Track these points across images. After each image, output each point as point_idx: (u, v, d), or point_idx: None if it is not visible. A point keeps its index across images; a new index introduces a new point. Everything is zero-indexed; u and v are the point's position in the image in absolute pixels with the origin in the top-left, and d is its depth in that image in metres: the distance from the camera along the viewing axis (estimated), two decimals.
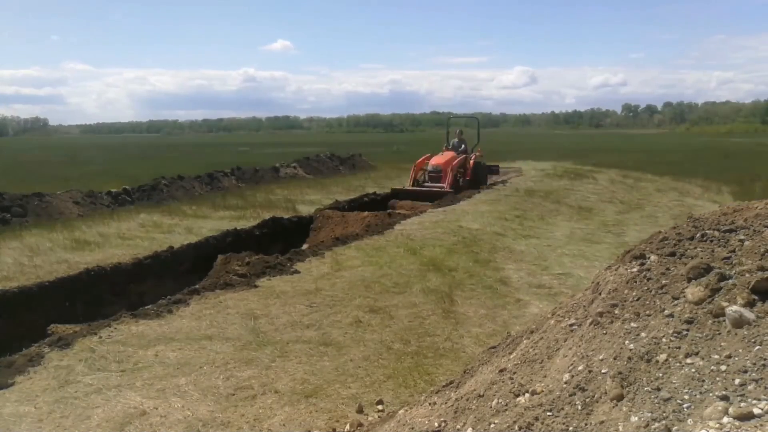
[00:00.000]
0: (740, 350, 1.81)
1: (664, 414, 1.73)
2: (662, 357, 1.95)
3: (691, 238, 2.56)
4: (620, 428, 1.78)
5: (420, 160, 16.34)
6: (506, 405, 2.28)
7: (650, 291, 2.34)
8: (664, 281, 2.34)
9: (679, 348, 1.95)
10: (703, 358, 1.86)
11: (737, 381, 1.71)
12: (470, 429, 2.31)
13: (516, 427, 2.08)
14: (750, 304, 1.95)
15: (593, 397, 1.98)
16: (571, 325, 2.57)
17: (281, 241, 11.50)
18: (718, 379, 1.76)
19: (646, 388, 1.86)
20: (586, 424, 1.89)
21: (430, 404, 2.90)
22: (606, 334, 2.26)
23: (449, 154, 16.20)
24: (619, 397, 1.89)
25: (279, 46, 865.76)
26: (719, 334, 1.93)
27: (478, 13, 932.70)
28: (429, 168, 15.73)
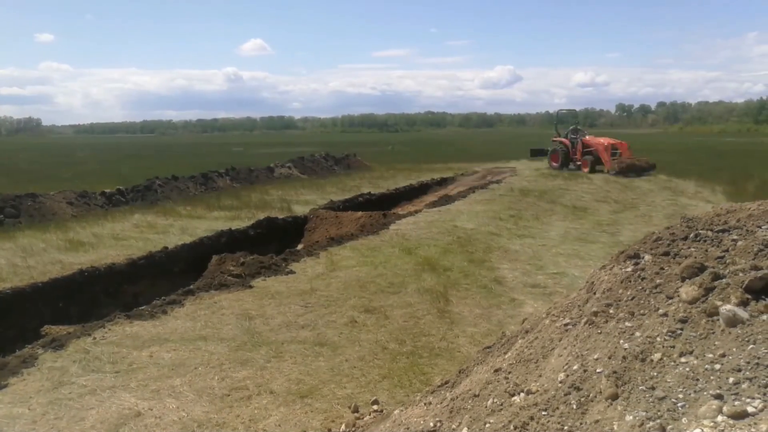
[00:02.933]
0: (734, 349, 1.82)
1: (659, 413, 1.73)
2: (657, 356, 1.95)
3: (685, 238, 2.58)
4: (615, 427, 1.78)
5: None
6: (501, 405, 2.28)
7: (644, 290, 2.34)
8: (658, 281, 2.35)
9: (674, 347, 1.96)
10: (697, 357, 1.87)
11: (731, 380, 1.72)
12: (466, 429, 2.31)
13: (511, 427, 2.08)
14: (743, 303, 1.96)
15: (588, 396, 1.98)
16: (565, 324, 2.58)
17: (276, 242, 11.48)
18: (712, 377, 1.76)
19: (640, 387, 1.86)
20: (581, 424, 1.90)
21: (425, 404, 2.90)
22: (601, 333, 2.26)
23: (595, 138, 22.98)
24: (614, 397, 1.89)
25: (254, 46, 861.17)
26: (713, 333, 1.93)
27: (449, 14, 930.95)
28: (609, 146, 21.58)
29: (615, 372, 1.98)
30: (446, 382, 3.10)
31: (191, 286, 6.82)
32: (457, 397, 2.65)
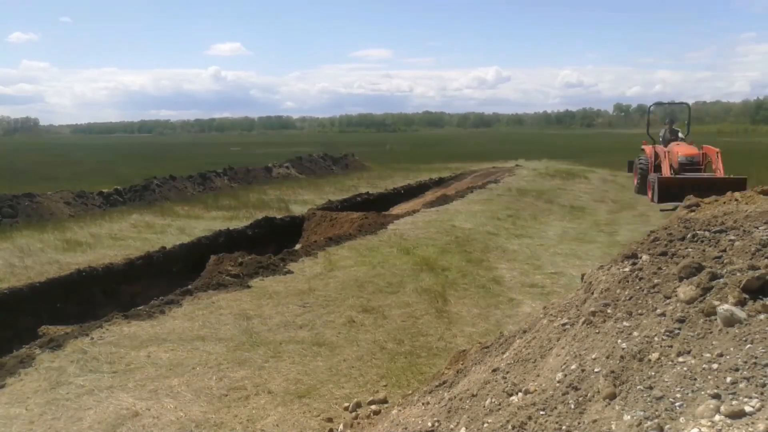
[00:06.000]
0: (731, 349, 1.82)
1: (657, 412, 1.74)
2: (654, 356, 1.96)
3: (683, 239, 2.58)
4: (613, 427, 1.79)
5: (649, 148, 16.34)
6: (499, 404, 2.29)
7: (642, 290, 2.35)
8: (656, 280, 2.36)
9: (671, 347, 1.96)
10: (695, 357, 1.87)
11: (729, 379, 1.72)
12: (463, 429, 2.31)
13: (509, 427, 2.08)
14: (741, 303, 1.97)
15: (586, 396, 1.98)
16: (563, 324, 2.59)
17: (274, 242, 11.48)
18: (709, 377, 1.77)
19: (638, 387, 1.87)
20: (579, 423, 1.90)
21: (423, 404, 2.90)
22: (599, 333, 2.27)
23: (685, 145, 15.72)
24: (612, 396, 1.89)
25: (231, 47, 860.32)
26: (711, 332, 1.94)
27: (425, 14, 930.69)
28: (682, 159, 14.77)
29: (613, 372, 1.98)
30: (444, 382, 3.10)
31: (189, 286, 6.81)
32: (455, 397, 2.65)
